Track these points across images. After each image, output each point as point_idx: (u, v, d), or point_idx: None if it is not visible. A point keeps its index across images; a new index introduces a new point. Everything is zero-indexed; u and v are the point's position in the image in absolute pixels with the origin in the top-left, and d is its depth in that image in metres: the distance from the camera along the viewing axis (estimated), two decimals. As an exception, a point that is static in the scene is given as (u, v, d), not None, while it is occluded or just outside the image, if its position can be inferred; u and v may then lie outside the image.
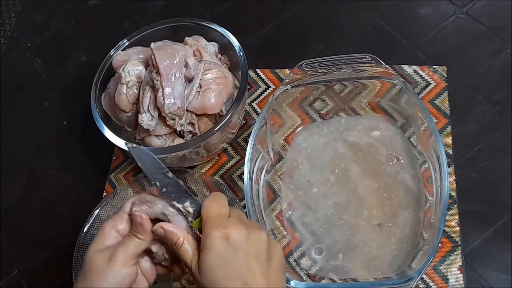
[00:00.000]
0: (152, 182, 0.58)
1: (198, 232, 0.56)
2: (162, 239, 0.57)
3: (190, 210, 0.57)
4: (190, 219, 0.57)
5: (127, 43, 0.85)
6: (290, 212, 0.78)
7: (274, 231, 0.77)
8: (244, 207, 0.72)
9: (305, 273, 0.74)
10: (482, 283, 0.71)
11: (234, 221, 0.55)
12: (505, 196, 0.76)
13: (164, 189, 0.58)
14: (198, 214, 0.57)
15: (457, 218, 0.75)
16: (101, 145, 0.85)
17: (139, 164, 0.58)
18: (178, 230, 0.56)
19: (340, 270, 0.73)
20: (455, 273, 0.72)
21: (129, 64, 0.78)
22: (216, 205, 0.57)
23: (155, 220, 0.58)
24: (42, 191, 0.89)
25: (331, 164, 0.80)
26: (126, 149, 0.75)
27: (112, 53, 0.84)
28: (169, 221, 0.57)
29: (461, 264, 0.72)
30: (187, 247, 0.55)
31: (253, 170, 0.74)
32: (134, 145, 0.60)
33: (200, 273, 0.53)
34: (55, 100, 0.97)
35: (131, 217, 0.58)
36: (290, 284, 0.65)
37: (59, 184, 0.90)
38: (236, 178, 0.84)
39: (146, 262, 0.59)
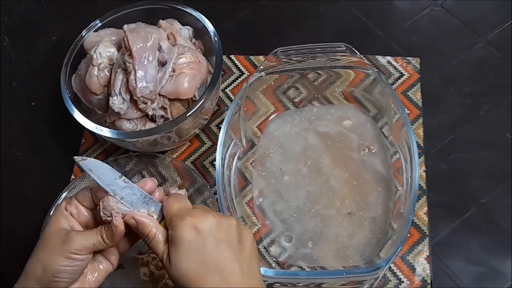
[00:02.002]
0: (109, 193, 0.55)
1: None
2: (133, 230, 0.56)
3: (155, 215, 0.56)
4: None
5: (99, 24, 0.83)
6: (261, 200, 0.78)
7: (245, 218, 0.77)
8: (215, 193, 0.72)
9: (274, 261, 0.74)
10: (448, 273, 0.72)
11: (199, 210, 0.55)
12: (474, 188, 0.77)
13: (122, 198, 0.56)
14: (162, 216, 0.56)
15: (426, 208, 0.76)
16: (70, 127, 0.83)
17: (91, 176, 0.55)
18: (150, 221, 0.55)
19: (310, 258, 0.73)
20: (422, 263, 0.73)
21: (101, 45, 0.77)
22: (176, 201, 0.56)
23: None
24: (9, 174, 0.87)
25: (303, 155, 0.80)
26: (97, 132, 0.74)
27: (83, 34, 0.82)
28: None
29: (428, 254, 0.73)
30: (160, 239, 0.54)
31: (225, 156, 0.73)
32: (84, 157, 0.56)
33: (170, 265, 0.52)
34: (23, 81, 0.95)
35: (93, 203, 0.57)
36: (259, 271, 0.64)
37: (27, 166, 0.88)
38: (207, 164, 0.83)
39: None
